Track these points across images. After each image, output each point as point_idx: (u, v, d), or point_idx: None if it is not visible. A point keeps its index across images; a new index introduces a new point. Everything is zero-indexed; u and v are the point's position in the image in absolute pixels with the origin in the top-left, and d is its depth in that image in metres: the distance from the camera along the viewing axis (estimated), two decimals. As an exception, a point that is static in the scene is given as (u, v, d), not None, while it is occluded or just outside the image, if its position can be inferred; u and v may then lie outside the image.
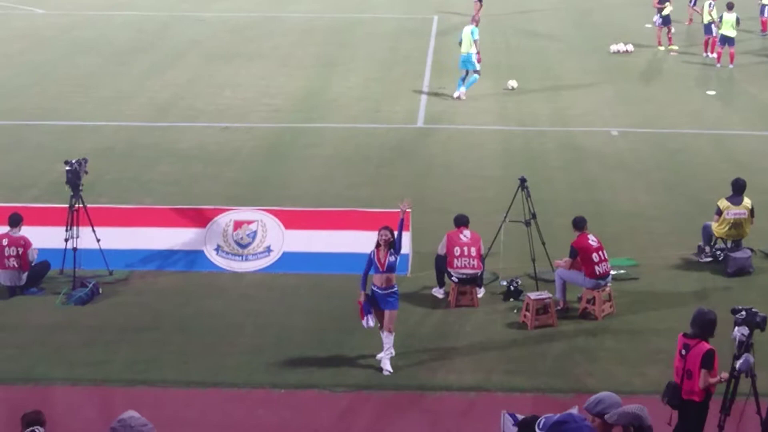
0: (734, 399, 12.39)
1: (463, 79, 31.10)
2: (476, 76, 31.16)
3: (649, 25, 40.87)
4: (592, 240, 17.17)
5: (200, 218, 19.29)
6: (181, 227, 19.15)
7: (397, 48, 38.36)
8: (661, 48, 37.79)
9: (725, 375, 12.13)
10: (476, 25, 31.14)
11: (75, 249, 18.00)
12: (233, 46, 38.58)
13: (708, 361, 12.09)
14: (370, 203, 20.99)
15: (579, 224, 17.42)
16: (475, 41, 30.59)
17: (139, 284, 18.43)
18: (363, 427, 14.01)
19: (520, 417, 9.86)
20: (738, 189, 19.13)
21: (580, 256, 17.04)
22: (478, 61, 30.94)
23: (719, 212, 18.95)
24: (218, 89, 32.04)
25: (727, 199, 19.03)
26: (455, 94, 31.02)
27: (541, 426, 6.31)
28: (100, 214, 18.83)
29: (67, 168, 18.03)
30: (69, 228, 18.04)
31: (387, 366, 15.28)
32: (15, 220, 18.07)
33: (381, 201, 21.34)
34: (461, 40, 30.86)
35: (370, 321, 15.28)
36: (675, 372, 12.49)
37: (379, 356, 15.40)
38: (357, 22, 42.80)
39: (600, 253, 17.10)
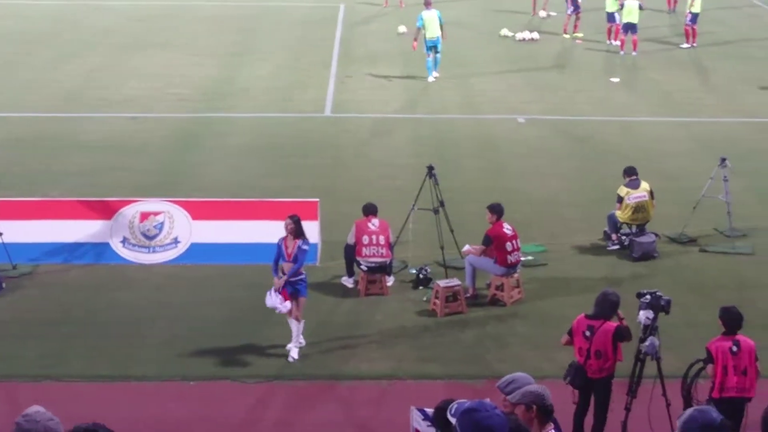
0: (640, 381, 12.62)
1: (431, 64, 31.71)
2: (439, 56, 31.84)
3: (554, 13, 41.30)
4: (507, 228, 17.26)
5: (106, 210, 19.03)
6: (86, 219, 18.87)
7: (306, 37, 38.24)
8: (567, 36, 38.17)
9: None
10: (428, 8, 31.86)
11: (-22, 243, 17.70)
12: (143, 35, 38.09)
13: (622, 335, 12.45)
14: (280, 193, 20.91)
15: (497, 209, 17.36)
16: (442, 25, 31.55)
17: (44, 278, 18.14)
18: (276, 418, 13.99)
19: (429, 411, 9.89)
20: (632, 173, 19.42)
21: (495, 244, 17.10)
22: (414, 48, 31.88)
23: (620, 200, 19.23)
24: (127, 79, 31.63)
25: (626, 185, 19.32)
26: (430, 79, 31.61)
27: (452, 412, 6.33)
28: (3, 207, 18.53)
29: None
30: (-28, 222, 17.72)
31: (294, 354, 15.29)
32: None
33: (292, 191, 21.30)
34: (423, 24, 31.40)
35: (288, 304, 15.22)
36: (578, 353, 12.69)
37: (289, 346, 15.38)
38: (266, 11, 42.55)
39: (514, 242, 17.21)
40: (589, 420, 12.93)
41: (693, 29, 37.18)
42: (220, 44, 36.73)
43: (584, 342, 12.58)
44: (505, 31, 38.24)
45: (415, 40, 31.71)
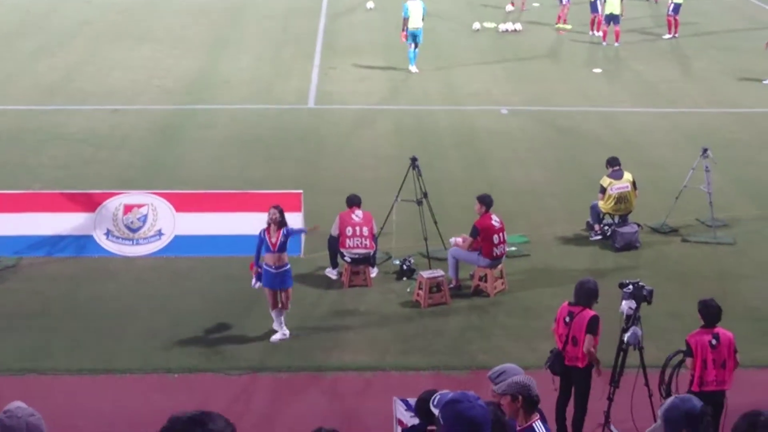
0: (623, 371, 12.68)
1: (414, 55, 31.86)
2: (417, 50, 31.96)
3: (536, 5, 41.36)
4: (495, 221, 17.25)
5: (89, 203, 18.98)
6: (69, 212, 18.81)
7: (288, 28, 38.17)
8: (568, 27, 38.19)
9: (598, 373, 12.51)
10: None
11: (-40, 236, 17.63)
12: (123, 27, 37.94)
13: (593, 326, 12.43)
14: (262, 185, 20.91)
15: (487, 201, 17.33)
16: (424, 17, 31.76)
17: (27, 271, 18.08)
18: (259, 409, 13.98)
19: (412, 401, 9.91)
20: (615, 163, 19.48)
21: (482, 236, 17.08)
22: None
23: (603, 191, 19.29)
24: (108, 71, 31.52)
25: (609, 176, 19.37)
26: (412, 69, 31.75)
27: (435, 403, 6.33)
28: (-15, 200, 18.46)
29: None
30: (-46, 215, 17.64)
31: (278, 336, 15.54)
32: None
33: (274, 182, 21.29)
34: (408, 15, 31.46)
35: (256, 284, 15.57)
36: (558, 339, 12.76)
37: (274, 338, 15.44)
38: (247, 3, 42.42)
39: (501, 234, 17.20)
40: (571, 409, 12.98)
41: (675, 20, 37.28)
42: (201, 36, 36.63)
43: (564, 328, 12.66)
44: (477, 25, 38.23)
45: (403, 30, 31.74)
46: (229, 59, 33.29)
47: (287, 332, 15.59)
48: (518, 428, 8.53)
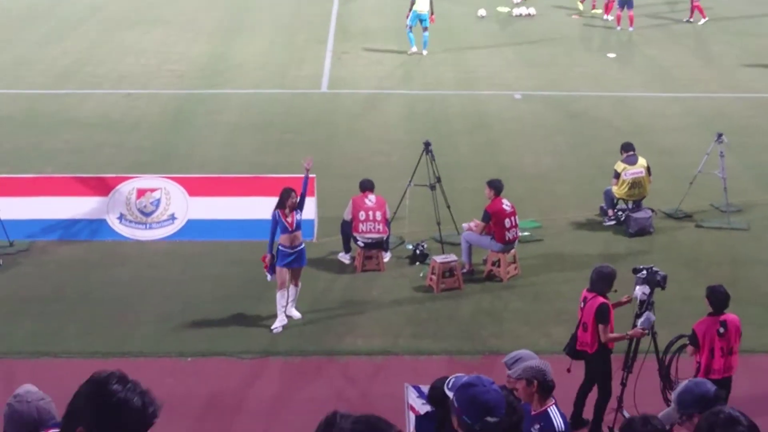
0: (636, 356, 12.65)
1: (413, 37, 32.01)
2: (427, 33, 31.97)
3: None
4: (506, 205, 17.21)
5: (102, 187, 19.00)
6: (83, 196, 18.84)
7: (300, 13, 38.14)
8: (598, 12, 38.10)
9: (635, 332, 12.34)
10: None
11: (-27, 220, 17.65)
12: (135, 11, 37.98)
13: (601, 315, 12.31)
14: (275, 169, 20.87)
15: (496, 185, 17.31)
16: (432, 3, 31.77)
17: (40, 255, 18.12)
18: (271, 393, 13.98)
19: (424, 388, 9.90)
20: (629, 148, 19.42)
21: (493, 220, 17.03)
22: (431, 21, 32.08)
23: (617, 176, 19.23)
24: (120, 56, 31.54)
25: (623, 161, 19.31)
26: (414, 50, 31.92)
27: (450, 386, 6.32)
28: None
29: (-35, 137, 17.62)
30: (-33, 199, 17.66)
31: (295, 313, 15.63)
32: None
33: (286, 167, 21.23)
34: None
35: (271, 278, 15.52)
36: (579, 324, 12.74)
37: (276, 326, 15.40)
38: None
39: (513, 218, 17.16)
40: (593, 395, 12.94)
41: (696, 6, 37.03)
42: (213, 20, 36.64)
43: (579, 313, 12.64)
44: (482, 11, 38.04)
45: (409, 12, 31.77)
46: (242, 44, 33.28)
47: (296, 315, 15.59)
48: (533, 413, 8.54)
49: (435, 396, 8.29)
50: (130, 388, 4.75)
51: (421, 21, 31.65)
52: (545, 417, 8.59)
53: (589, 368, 12.72)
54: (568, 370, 12.69)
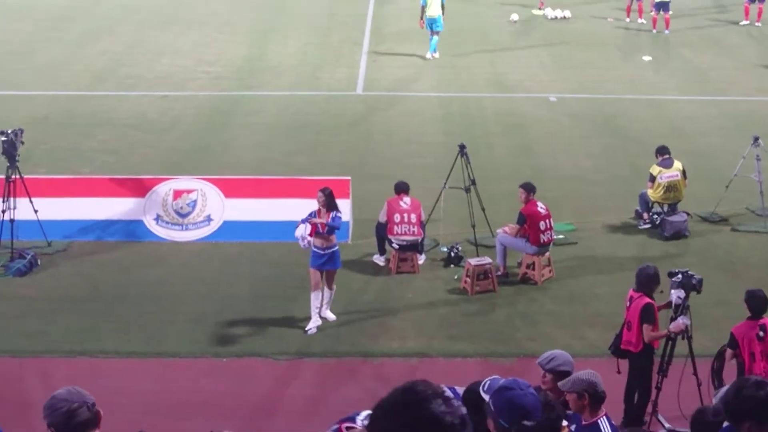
0: (671, 360, 12.62)
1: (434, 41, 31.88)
2: (437, 37, 31.82)
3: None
4: (541, 207, 17.19)
5: (139, 188, 19.13)
6: (119, 197, 18.98)
7: (335, 14, 38.19)
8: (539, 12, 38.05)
9: (677, 325, 12.29)
10: None
11: (12, 220, 17.70)
12: (170, 12, 38.15)
13: (646, 314, 12.32)
14: (310, 171, 20.96)
15: (529, 188, 17.30)
16: (443, 5, 31.58)
17: (78, 255, 18.26)
18: (305, 394, 14.03)
19: (459, 390, 9.88)
20: (664, 152, 19.36)
21: (528, 222, 17.01)
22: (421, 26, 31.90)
23: (652, 179, 19.17)
24: (156, 57, 31.72)
25: (658, 164, 19.25)
26: (428, 56, 31.78)
27: (485, 389, 6.33)
28: (38, 184, 18.61)
29: (3, 138, 17.72)
30: (5, 199, 17.72)
31: (330, 315, 15.64)
32: None
33: (321, 168, 21.34)
34: (426, 3, 31.31)
35: (303, 230, 15.33)
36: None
37: (310, 327, 15.43)
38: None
39: (547, 221, 17.15)
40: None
41: (760, 8, 36.72)
42: (249, 21, 36.75)
43: (625, 312, 12.64)
44: (515, 16, 37.83)
45: (421, 18, 31.75)
46: (277, 45, 33.38)
47: (331, 317, 15.64)
48: (583, 423, 8.55)
49: (470, 399, 8.31)
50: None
51: (432, 25, 31.53)
52: (595, 428, 8.61)
53: (632, 367, 12.71)
54: (618, 372, 12.66)
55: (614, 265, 17.72)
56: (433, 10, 31.45)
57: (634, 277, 12.73)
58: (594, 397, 8.49)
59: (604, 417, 8.52)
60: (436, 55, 31.86)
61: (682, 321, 12.30)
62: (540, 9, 38.43)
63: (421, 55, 31.96)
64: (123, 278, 17.44)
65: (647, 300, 12.45)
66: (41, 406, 6.61)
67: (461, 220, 18.41)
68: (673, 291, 12.43)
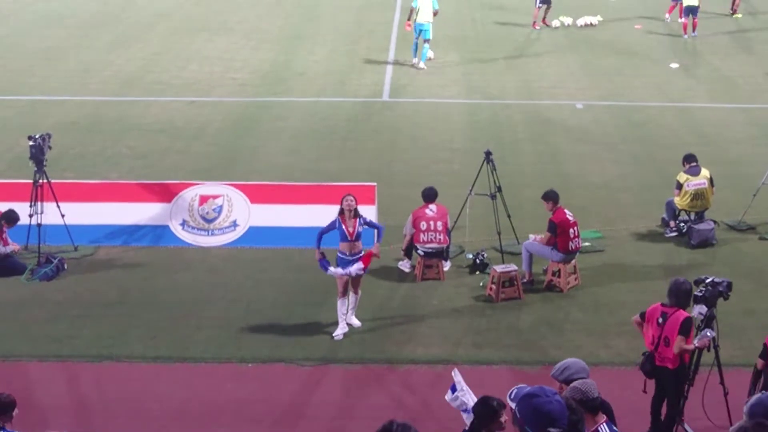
0: (698, 369, 12.53)
1: (417, 48, 31.55)
2: (427, 45, 31.54)
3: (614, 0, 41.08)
4: (569, 215, 17.15)
5: (166, 193, 19.22)
6: (146, 202, 19.09)
7: (363, 21, 38.25)
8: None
9: (703, 342, 12.19)
10: None
11: (39, 225, 17.84)
12: (199, 19, 38.31)
13: (686, 327, 12.20)
14: (336, 177, 20.99)
15: (553, 196, 17.21)
16: (435, 11, 31.20)
17: (104, 260, 18.35)
18: (331, 401, 14.03)
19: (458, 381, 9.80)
20: (691, 159, 19.28)
21: (558, 230, 16.96)
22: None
23: (679, 186, 19.09)
24: (184, 63, 31.85)
25: (685, 172, 19.17)
26: (420, 65, 31.37)
27: (512, 396, 6.34)
28: (65, 189, 18.73)
29: (31, 143, 17.85)
30: (33, 203, 17.87)
31: (355, 321, 15.67)
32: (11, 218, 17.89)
33: (348, 174, 21.37)
34: (418, 7, 31.06)
35: (335, 270, 15.42)
36: (650, 341, 12.50)
37: (337, 333, 15.45)
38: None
39: (575, 228, 17.11)
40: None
41: None
42: (276, 28, 36.86)
43: (657, 329, 12.39)
44: (557, 22, 37.59)
45: (409, 20, 31.55)
46: (304, 52, 33.46)
47: (356, 323, 15.65)
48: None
49: (481, 409, 8.27)
50: None
51: (422, 32, 31.25)
52: None
53: (666, 383, 12.52)
54: (644, 391, 12.55)
55: (641, 274, 17.66)
56: (423, 17, 31.03)
57: (668, 291, 12.51)
58: (586, 405, 8.42)
59: (604, 424, 8.47)
60: (423, 66, 31.43)
61: (706, 335, 12.19)
62: (534, 29, 37.50)
63: (443, 59, 31.93)
64: (149, 283, 17.51)
65: (685, 314, 12.29)
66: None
67: (487, 227, 18.39)
68: (695, 306, 12.32)
